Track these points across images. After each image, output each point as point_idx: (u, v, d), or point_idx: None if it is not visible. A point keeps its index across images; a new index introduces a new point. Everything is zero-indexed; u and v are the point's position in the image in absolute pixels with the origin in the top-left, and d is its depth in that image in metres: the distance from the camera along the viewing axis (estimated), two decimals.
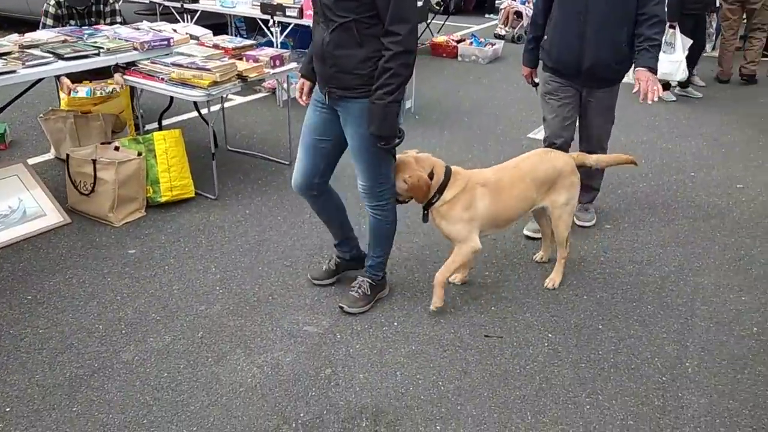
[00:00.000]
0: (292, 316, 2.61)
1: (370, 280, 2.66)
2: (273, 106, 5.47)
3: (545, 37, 3.07)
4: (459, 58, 7.27)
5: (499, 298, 2.78)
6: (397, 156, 2.46)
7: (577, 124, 3.23)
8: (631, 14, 2.85)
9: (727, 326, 2.62)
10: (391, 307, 2.69)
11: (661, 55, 5.44)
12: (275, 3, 5.16)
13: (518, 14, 8.02)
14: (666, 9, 5.21)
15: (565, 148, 3.09)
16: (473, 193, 2.49)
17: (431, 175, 2.45)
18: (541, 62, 3.21)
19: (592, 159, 2.86)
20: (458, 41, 7.44)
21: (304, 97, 2.54)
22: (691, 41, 5.36)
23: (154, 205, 3.49)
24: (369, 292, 2.65)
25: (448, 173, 2.49)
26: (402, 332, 2.53)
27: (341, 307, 2.62)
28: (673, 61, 5.27)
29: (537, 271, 3.00)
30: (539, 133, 4.90)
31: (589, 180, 3.31)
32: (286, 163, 4.19)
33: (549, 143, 3.15)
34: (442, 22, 8.22)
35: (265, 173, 4.07)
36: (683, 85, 5.88)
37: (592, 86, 3.05)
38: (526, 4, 7.83)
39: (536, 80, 3.28)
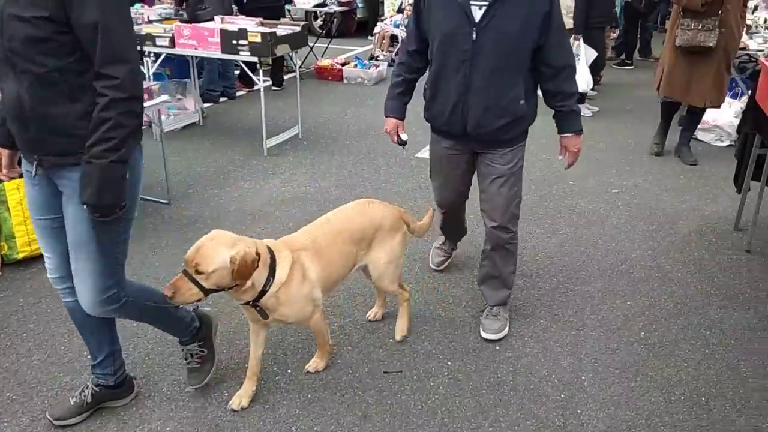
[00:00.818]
0: (171, 377, 2.37)
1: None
2: (149, 140, 5.11)
3: (426, 88, 2.49)
4: (345, 81, 7.24)
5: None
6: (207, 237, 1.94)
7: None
8: (527, 64, 2.29)
9: (616, 333, 2.69)
10: (284, 353, 2.52)
11: None
12: (144, 33, 4.86)
13: (393, 38, 8.12)
14: (573, 21, 5.50)
15: (458, 208, 2.81)
16: (302, 263, 2.12)
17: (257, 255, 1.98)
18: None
19: (417, 224, 2.58)
20: (343, 64, 7.41)
21: (3, 170, 2.00)
22: (595, 53, 5.67)
23: (10, 263, 3.10)
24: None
25: (271, 252, 2.05)
26: (296, 380, 2.37)
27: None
28: (578, 72, 5.53)
29: (432, 297, 2.95)
30: (426, 152, 4.95)
31: (497, 268, 2.63)
32: (164, 202, 3.90)
33: (439, 205, 2.82)
34: (326, 46, 8.18)
35: (140, 214, 3.76)
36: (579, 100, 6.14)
37: (486, 149, 2.46)
38: (400, 27, 7.95)
39: (403, 137, 2.66)
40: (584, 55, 5.53)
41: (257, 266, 1.95)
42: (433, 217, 2.72)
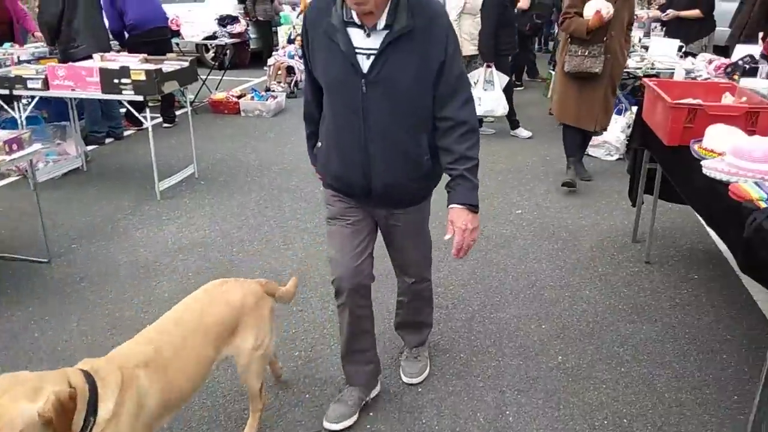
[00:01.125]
0: None
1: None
2: (25, 191, 4.64)
3: (319, 143, 2.15)
4: (242, 114, 7.01)
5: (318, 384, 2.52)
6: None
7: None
8: (428, 117, 1.97)
9: (534, 360, 2.66)
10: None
11: (483, 93, 5.80)
12: (13, 75, 4.43)
13: (290, 69, 8.00)
14: (482, 52, 5.68)
15: (362, 293, 2.18)
16: (138, 386, 1.61)
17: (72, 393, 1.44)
18: None
19: (281, 290, 2.25)
20: (239, 96, 7.18)
21: None
22: (507, 78, 5.85)
23: None
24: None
25: (90, 379, 1.51)
26: None
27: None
28: (494, 99, 5.72)
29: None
30: None
31: (416, 314, 2.52)
32: (44, 260, 3.50)
33: (337, 288, 2.15)
34: (219, 78, 7.90)
35: (15, 277, 3.35)
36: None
37: (391, 208, 2.15)
38: (296, 58, 7.84)
39: None
40: (497, 81, 5.70)
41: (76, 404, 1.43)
42: (297, 285, 2.38)
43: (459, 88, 1.92)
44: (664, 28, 6.53)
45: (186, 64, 4.63)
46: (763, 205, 1.86)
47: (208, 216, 4.24)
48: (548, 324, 2.93)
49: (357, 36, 1.86)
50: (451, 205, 1.98)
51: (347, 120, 1.96)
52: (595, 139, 5.29)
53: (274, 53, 8.33)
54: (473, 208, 1.98)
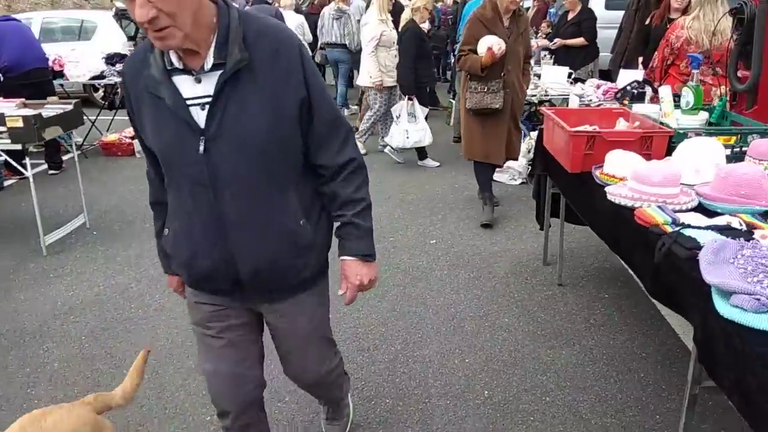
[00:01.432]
0: None
1: None
2: None
3: (165, 230, 1.70)
4: (137, 155, 6.62)
5: None
6: None
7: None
8: (295, 170, 1.60)
9: (461, 398, 2.59)
10: None
11: (408, 126, 5.81)
12: None
13: None
14: (402, 85, 5.72)
15: (253, 411, 1.83)
16: None
17: None
18: None
19: (118, 396, 1.83)
20: (132, 137, 6.77)
21: None
22: (428, 109, 6.01)
23: None
24: None
25: None
26: None
27: None
28: (419, 130, 5.80)
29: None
30: None
31: (326, 397, 2.20)
32: None
33: (219, 410, 1.79)
34: (111, 118, 7.43)
35: None
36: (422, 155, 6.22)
37: (275, 300, 1.72)
38: None
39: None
40: (420, 112, 5.76)
41: None
42: (143, 365, 1.91)
43: (334, 129, 1.60)
44: (553, 56, 6.88)
45: (70, 107, 4.28)
46: (669, 229, 1.91)
47: (102, 270, 3.90)
48: (471, 357, 2.88)
49: (185, 84, 1.46)
50: (341, 257, 1.71)
51: (192, 192, 1.53)
52: None
53: None
54: (367, 258, 1.70)
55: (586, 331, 3.08)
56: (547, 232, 3.79)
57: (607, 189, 2.32)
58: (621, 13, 7.68)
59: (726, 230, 1.81)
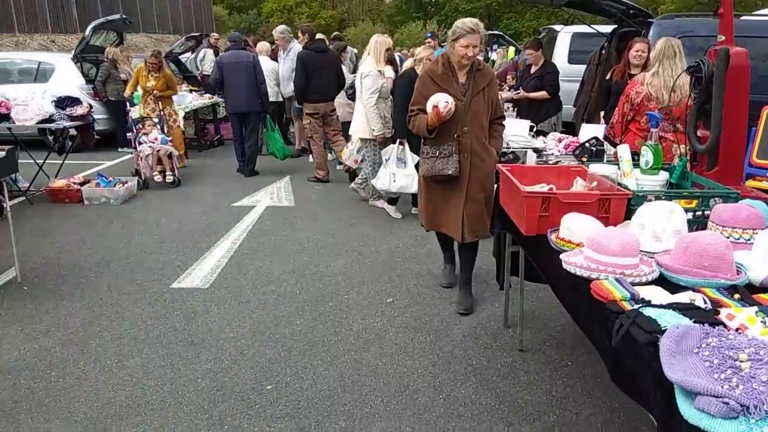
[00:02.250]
0: None
1: None
2: None
3: None
4: (85, 202, 6.30)
5: None
6: None
7: None
8: None
9: None
10: None
11: (396, 170, 5.54)
12: None
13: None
14: (397, 129, 5.46)
15: None
16: None
17: None
18: None
19: None
20: (82, 183, 6.48)
21: None
22: (418, 158, 5.62)
23: None
24: None
25: None
26: None
27: None
28: (406, 176, 5.54)
29: None
30: (185, 281, 4.33)
31: None
32: None
33: None
34: (60, 163, 7.11)
35: None
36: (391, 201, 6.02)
37: None
38: (168, 143, 7.27)
39: None
40: (410, 158, 5.54)
41: None
42: None
43: None
44: (516, 109, 6.87)
45: (2, 154, 4.01)
46: (627, 306, 1.73)
47: (26, 331, 3.56)
48: (426, 427, 2.63)
49: None
50: None
51: None
52: None
53: (129, 136, 7.69)
54: None
55: (548, 405, 2.86)
56: (507, 293, 3.60)
57: (562, 257, 2.14)
58: (583, 66, 7.79)
59: (689, 310, 1.63)
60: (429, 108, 3.50)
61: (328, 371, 3.15)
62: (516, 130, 5.52)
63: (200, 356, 3.30)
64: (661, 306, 1.66)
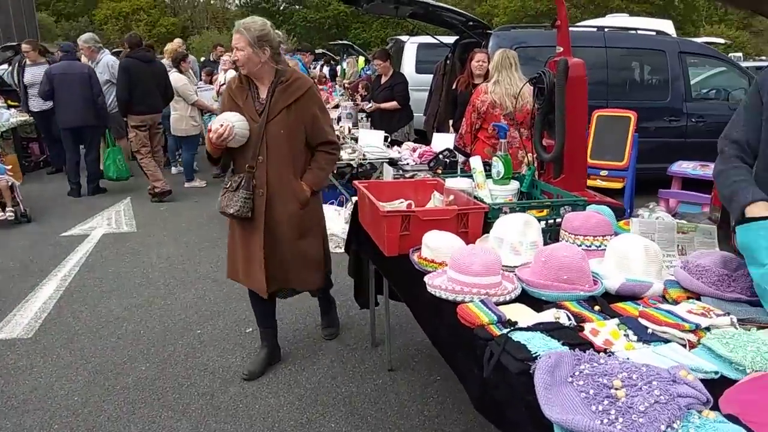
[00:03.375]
0: None
1: None
2: None
3: None
4: None
5: None
6: None
7: None
8: None
9: None
10: None
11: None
12: None
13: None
14: None
15: None
16: None
17: None
18: None
19: None
20: None
21: None
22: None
23: None
24: None
25: None
26: None
27: None
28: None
29: None
30: (2, 332, 3.67)
31: None
32: None
33: None
34: None
35: None
36: None
37: None
38: (6, 173, 6.21)
39: None
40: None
41: None
42: None
43: None
44: (369, 119, 6.85)
45: None
46: (495, 330, 1.64)
47: None
48: None
49: None
50: None
51: None
52: None
53: None
54: None
55: (421, 427, 2.76)
56: (373, 311, 3.47)
57: (426, 279, 2.03)
58: (431, 76, 8.01)
59: (556, 330, 1.58)
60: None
61: (180, 423, 2.79)
62: (371, 141, 5.48)
63: (23, 423, 2.78)
64: (528, 329, 1.60)
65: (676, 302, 1.80)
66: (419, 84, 8.67)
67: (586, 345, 1.51)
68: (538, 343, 1.50)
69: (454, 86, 6.03)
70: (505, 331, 1.62)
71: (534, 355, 1.45)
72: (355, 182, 2.92)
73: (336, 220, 5.13)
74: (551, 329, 1.59)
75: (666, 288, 1.88)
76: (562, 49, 2.76)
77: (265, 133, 2.83)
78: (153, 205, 6.72)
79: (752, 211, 1.68)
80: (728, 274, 1.80)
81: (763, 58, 19.00)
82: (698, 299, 1.79)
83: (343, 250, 5.25)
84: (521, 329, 1.60)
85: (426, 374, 3.23)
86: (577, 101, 2.68)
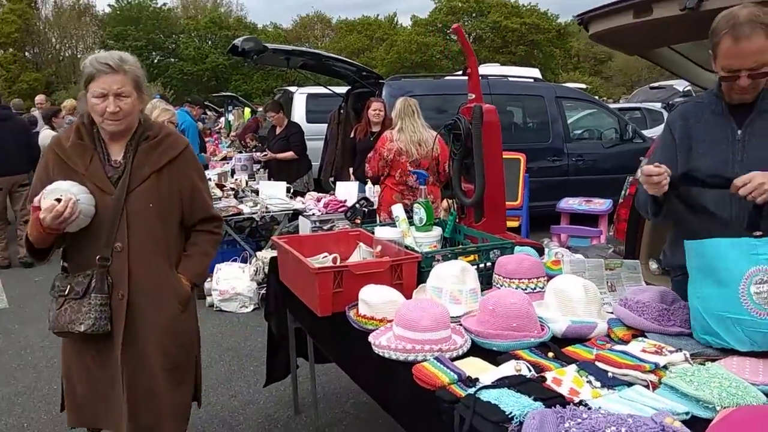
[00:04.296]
0: None
1: None
2: None
3: None
4: None
5: None
6: None
7: None
8: None
9: None
10: None
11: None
12: None
13: None
14: None
15: None
16: None
17: None
18: None
19: None
20: None
21: None
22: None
23: None
24: None
25: None
26: None
27: None
28: None
29: None
30: None
31: None
32: None
33: None
34: None
35: None
36: None
37: None
38: None
39: None
40: None
41: None
42: None
43: None
44: (267, 170, 6.66)
45: None
46: (458, 390, 1.54)
47: None
48: None
49: None
50: None
51: None
52: (225, 292, 4.78)
53: None
54: None
55: None
56: (295, 375, 3.24)
57: (371, 339, 1.90)
58: (322, 125, 8.01)
59: (522, 384, 1.51)
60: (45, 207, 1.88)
61: None
62: (273, 193, 5.30)
63: None
64: (494, 386, 1.51)
65: (623, 341, 1.81)
66: (311, 133, 8.61)
67: (558, 399, 1.44)
68: (509, 402, 1.41)
69: (352, 135, 6.03)
70: (470, 390, 1.52)
71: (509, 416, 1.37)
72: (274, 238, 2.75)
73: (241, 278, 4.84)
74: (517, 384, 1.51)
75: (610, 327, 1.89)
76: (474, 96, 2.81)
77: (125, 208, 2.01)
78: (26, 275, 6.00)
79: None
80: (666, 308, 1.85)
81: (621, 99, 21.31)
82: (643, 335, 1.81)
83: (250, 310, 4.99)
84: (486, 387, 1.51)
85: None
86: (492, 145, 2.72)
